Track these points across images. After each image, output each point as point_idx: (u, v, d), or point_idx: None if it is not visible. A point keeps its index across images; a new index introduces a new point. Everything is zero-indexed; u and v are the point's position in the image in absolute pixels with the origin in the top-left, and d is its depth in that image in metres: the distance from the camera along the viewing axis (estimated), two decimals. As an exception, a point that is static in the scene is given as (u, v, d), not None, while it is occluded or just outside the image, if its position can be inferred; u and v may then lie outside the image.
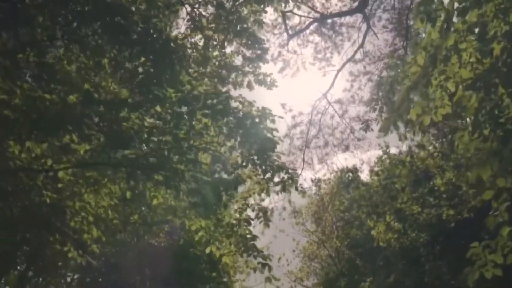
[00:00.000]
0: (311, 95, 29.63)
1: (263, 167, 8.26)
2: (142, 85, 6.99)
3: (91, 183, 8.66)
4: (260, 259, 8.24)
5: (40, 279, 18.24)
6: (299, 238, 29.07)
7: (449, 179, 13.43)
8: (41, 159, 7.85)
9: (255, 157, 8.16)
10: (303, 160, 24.83)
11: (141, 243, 14.98)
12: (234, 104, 7.62)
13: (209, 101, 7.43)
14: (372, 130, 18.61)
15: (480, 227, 12.72)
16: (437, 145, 13.41)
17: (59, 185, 8.85)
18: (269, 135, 7.77)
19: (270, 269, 7.91)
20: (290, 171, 8.37)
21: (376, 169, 23.79)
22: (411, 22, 20.53)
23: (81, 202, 8.77)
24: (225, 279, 15.82)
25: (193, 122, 8.02)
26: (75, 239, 9.63)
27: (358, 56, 19.58)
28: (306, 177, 25.53)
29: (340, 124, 22.95)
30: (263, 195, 8.78)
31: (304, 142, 24.00)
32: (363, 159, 30.64)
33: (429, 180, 13.07)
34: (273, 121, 8.14)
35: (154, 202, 9.37)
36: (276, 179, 8.34)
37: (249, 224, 8.94)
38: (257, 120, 7.69)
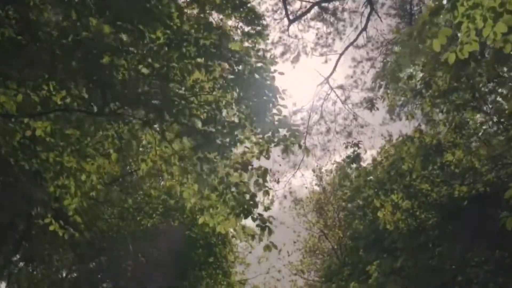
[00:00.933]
0: (313, 82, 28.66)
1: (263, 126, 7.46)
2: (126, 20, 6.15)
3: (72, 143, 7.82)
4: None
5: (30, 268, 17.46)
6: (300, 229, 28.25)
7: (461, 156, 12.61)
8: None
9: (253, 114, 7.36)
10: (304, 146, 23.98)
11: (133, 226, 14.14)
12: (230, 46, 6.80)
13: (202, 41, 6.59)
14: (377, 109, 17.82)
15: (497, 202, 11.99)
16: (448, 119, 12.54)
17: (38, 148, 8.08)
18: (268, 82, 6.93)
19: (270, 232, 7.03)
20: (293, 127, 7.56)
21: (379, 158, 23.00)
22: (415, 8, 19.79)
23: (61, 165, 7.94)
24: (223, 264, 14.96)
25: (185, 74, 7.22)
26: (55, 209, 8.80)
27: (361, 41, 18.91)
28: (307, 164, 24.62)
29: (343, 110, 22.26)
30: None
31: (305, 128, 23.31)
32: (366, 149, 30.01)
33: (440, 157, 12.22)
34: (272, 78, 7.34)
35: (143, 166, 8.54)
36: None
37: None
38: (257, 65, 6.85)
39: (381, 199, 13.52)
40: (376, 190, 12.81)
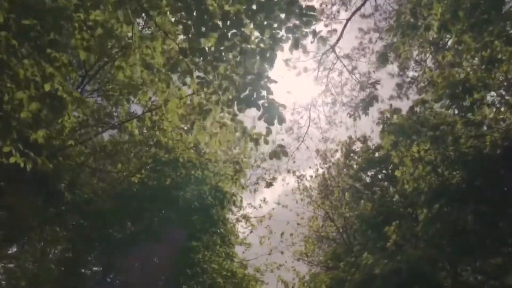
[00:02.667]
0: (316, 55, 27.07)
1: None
2: None
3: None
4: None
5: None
6: (303, 211, 26.59)
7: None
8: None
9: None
10: (309, 118, 22.49)
11: (120, 187, 12.52)
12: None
13: None
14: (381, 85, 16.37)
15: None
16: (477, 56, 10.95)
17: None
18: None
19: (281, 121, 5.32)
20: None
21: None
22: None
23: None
24: (221, 230, 13.28)
25: None
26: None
27: (368, 10, 17.56)
28: (312, 136, 23.06)
29: (350, 80, 20.79)
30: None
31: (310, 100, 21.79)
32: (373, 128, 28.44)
33: (469, 95, 10.62)
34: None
35: (120, 76, 6.99)
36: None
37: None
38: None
39: (399, 151, 11.90)
40: (396, 137, 11.16)
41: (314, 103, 21.69)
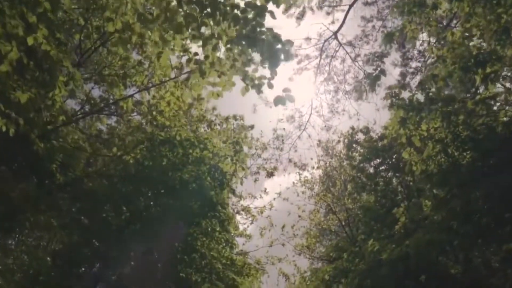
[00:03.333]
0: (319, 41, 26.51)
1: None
2: None
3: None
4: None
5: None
6: (304, 204, 25.99)
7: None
8: None
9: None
10: (311, 106, 21.94)
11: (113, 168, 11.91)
12: None
13: None
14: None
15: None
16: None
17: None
18: None
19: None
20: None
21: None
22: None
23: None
24: (221, 214, 12.64)
25: None
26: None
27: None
28: (314, 124, 22.49)
29: (353, 67, 20.30)
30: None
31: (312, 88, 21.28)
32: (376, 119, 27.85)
33: (482, 68, 10.05)
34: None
35: (109, 27, 6.42)
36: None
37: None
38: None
39: (408, 129, 11.30)
40: (405, 113, 10.55)
41: (316, 92, 21.21)
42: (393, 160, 19.38)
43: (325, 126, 21.04)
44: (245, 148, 21.49)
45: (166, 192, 12.12)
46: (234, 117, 13.08)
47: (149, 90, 12.42)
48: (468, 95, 10.96)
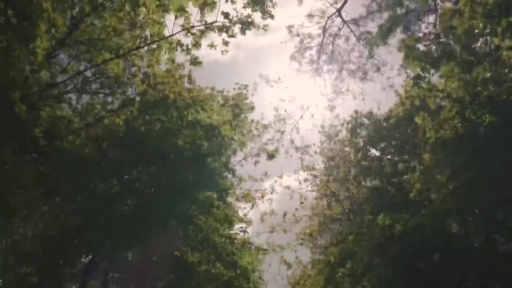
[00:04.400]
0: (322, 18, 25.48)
1: None
2: None
3: None
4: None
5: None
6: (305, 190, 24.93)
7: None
8: None
9: None
10: (314, 85, 21.08)
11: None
12: None
13: None
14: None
15: None
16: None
17: None
18: None
19: None
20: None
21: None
22: None
23: None
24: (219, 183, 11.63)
25: None
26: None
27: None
28: (318, 104, 21.45)
29: (357, 46, 19.39)
30: None
31: (315, 68, 20.39)
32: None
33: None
34: None
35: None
36: None
37: None
38: None
39: (423, 88, 10.34)
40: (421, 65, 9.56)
41: (319, 71, 20.24)
42: (402, 139, 18.47)
43: (329, 105, 20.03)
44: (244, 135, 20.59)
45: (159, 161, 11.15)
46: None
47: (142, 56, 11.48)
48: (488, 49, 10.03)
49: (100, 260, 15.19)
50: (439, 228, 10.56)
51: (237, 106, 10.71)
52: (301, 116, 20.45)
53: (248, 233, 14.16)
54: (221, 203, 11.59)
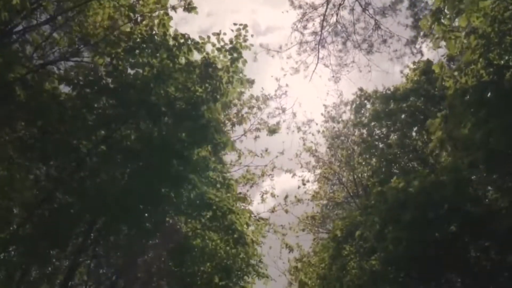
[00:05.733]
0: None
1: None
2: None
3: None
4: None
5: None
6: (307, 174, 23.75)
7: None
8: None
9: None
10: (317, 56, 19.99)
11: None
12: None
13: None
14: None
15: None
16: None
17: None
18: None
19: None
20: None
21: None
22: None
23: None
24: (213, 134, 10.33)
25: None
26: None
27: None
28: (322, 74, 20.46)
29: (363, 16, 18.49)
30: None
31: (318, 39, 19.37)
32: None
33: None
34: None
35: None
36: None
37: None
38: None
39: (444, 25, 9.22)
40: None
41: (322, 43, 19.20)
42: (412, 110, 17.33)
43: (333, 76, 18.87)
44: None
45: (148, 115, 9.97)
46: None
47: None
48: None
49: (92, 242, 13.99)
50: (462, 187, 9.36)
51: (236, 50, 9.55)
52: (303, 88, 19.38)
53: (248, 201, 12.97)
54: (217, 163, 10.37)
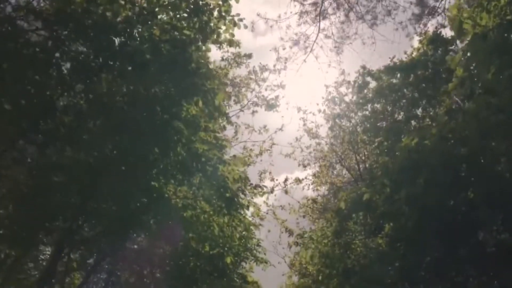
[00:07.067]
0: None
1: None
2: None
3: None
4: None
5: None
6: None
7: None
8: None
9: None
10: (318, 27, 19.07)
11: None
12: None
13: None
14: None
15: None
16: None
17: None
18: None
19: None
20: None
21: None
22: None
23: None
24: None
25: None
26: None
27: None
28: (323, 46, 19.41)
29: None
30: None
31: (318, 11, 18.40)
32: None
33: None
34: None
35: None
36: None
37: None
38: None
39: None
40: None
41: (323, 13, 18.17)
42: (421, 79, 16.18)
43: (335, 47, 17.80)
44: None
45: (129, 61, 8.84)
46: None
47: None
48: None
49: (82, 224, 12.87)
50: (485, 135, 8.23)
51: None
52: (304, 60, 18.37)
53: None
54: (208, 121, 9.25)
